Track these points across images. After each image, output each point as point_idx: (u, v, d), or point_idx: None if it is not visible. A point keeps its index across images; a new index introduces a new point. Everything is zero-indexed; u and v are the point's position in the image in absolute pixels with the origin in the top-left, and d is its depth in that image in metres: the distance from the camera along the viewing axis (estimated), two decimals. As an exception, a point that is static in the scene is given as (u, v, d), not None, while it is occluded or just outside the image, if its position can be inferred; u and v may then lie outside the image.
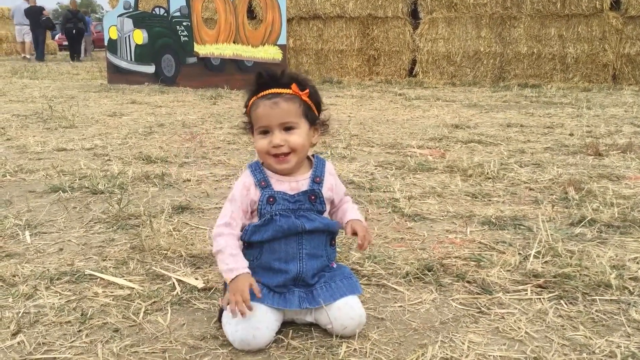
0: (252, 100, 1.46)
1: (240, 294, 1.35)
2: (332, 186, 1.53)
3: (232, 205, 1.47)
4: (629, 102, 6.74)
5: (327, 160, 1.57)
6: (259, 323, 1.37)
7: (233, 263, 1.40)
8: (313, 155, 1.56)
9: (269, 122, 1.43)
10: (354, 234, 1.52)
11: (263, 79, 1.45)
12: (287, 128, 1.43)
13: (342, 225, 1.56)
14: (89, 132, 4.53)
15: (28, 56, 16.78)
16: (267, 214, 1.44)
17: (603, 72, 9.25)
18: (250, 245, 1.48)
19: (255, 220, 1.47)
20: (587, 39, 9.24)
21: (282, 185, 1.47)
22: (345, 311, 1.43)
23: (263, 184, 1.46)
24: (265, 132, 1.44)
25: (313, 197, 1.48)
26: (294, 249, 1.45)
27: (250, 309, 1.36)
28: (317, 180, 1.50)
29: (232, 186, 2.99)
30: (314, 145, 1.53)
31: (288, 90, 1.43)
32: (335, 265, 1.55)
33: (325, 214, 1.54)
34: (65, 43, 18.46)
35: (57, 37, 24.91)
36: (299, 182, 1.49)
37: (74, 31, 16.86)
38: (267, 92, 1.43)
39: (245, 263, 1.42)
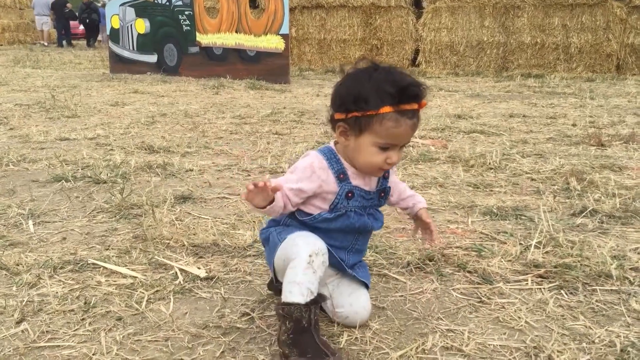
0: (387, 109, 1.27)
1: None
2: (393, 181, 1.51)
3: (298, 184, 1.36)
4: (632, 92, 6.71)
5: None
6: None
7: None
8: None
9: (400, 142, 1.32)
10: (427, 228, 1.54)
11: (413, 90, 1.27)
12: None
13: (413, 211, 1.56)
14: (91, 122, 4.53)
15: (46, 43, 18.15)
16: (342, 208, 1.40)
17: (607, 62, 9.21)
18: (305, 224, 1.42)
19: (318, 207, 1.40)
20: (591, 29, 9.19)
21: (358, 179, 1.40)
22: (363, 300, 1.46)
23: (342, 176, 1.38)
24: (386, 147, 1.31)
25: (382, 194, 1.46)
26: (349, 242, 1.45)
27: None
28: (386, 175, 1.46)
29: (234, 176, 2.98)
30: None
31: (421, 104, 1.30)
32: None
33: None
34: (74, 32, 19.79)
35: None
36: (372, 177, 1.42)
37: (87, 20, 18.67)
38: (410, 107, 1.27)
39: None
